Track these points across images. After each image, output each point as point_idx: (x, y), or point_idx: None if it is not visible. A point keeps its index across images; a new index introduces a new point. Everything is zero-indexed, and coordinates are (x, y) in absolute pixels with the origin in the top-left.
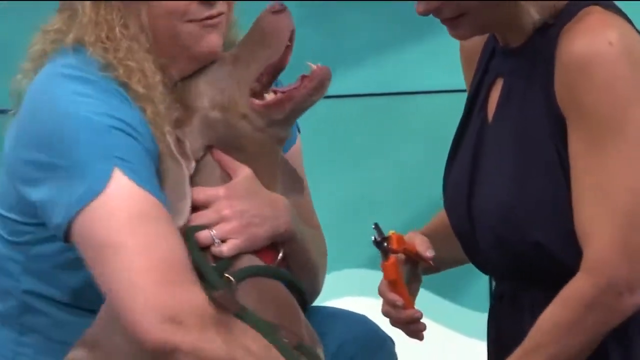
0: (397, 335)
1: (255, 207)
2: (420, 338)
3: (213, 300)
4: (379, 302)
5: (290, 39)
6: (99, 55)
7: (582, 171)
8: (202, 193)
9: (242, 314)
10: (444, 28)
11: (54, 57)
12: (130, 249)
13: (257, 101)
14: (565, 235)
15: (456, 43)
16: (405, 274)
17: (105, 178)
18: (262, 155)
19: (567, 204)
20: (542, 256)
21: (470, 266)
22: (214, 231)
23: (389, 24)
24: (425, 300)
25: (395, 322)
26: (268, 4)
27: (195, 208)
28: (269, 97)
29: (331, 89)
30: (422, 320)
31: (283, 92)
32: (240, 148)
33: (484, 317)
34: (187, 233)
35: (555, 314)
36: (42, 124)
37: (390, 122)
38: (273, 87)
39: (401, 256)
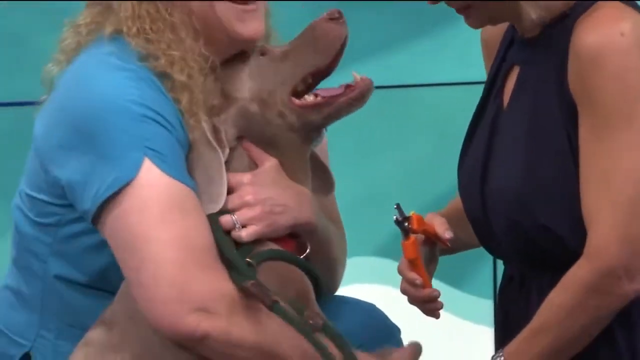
0: (402, 323)
1: (279, 196)
2: (437, 316)
3: (244, 289)
4: (387, 290)
5: (342, 47)
6: (140, 47)
7: (589, 158)
8: (228, 179)
9: (275, 309)
10: (449, 23)
11: (89, 47)
12: (160, 241)
13: (296, 101)
14: (574, 220)
15: (462, 37)
16: (424, 255)
17: (136, 167)
18: (291, 153)
19: (575, 190)
20: (551, 241)
21: (474, 252)
22: (235, 216)
23: (395, 21)
24: None
25: (412, 300)
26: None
27: None
28: (309, 98)
29: (341, 82)
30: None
31: (323, 97)
32: (271, 143)
33: (488, 303)
34: (211, 218)
35: (558, 297)
36: (78, 107)
37: (398, 114)
38: (314, 91)
39: (420, 236)
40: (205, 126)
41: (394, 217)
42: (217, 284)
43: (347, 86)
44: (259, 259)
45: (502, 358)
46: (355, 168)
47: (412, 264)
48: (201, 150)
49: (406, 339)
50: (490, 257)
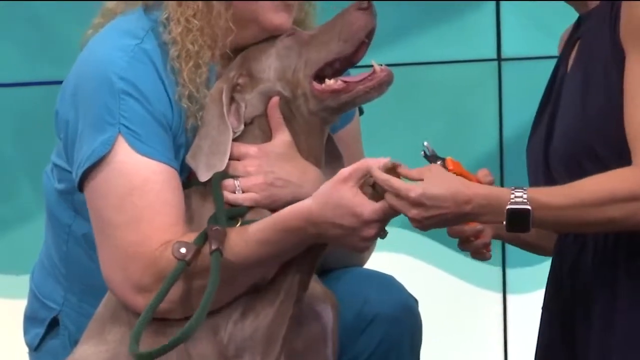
0: (422, 293)
1: (282, 171)
2: (487, 257)
3: (205, 232)
4: (409, 260)
5: (368, 37)
6: (171, 7)
7: (636, 90)
8: (236, 148)
9: (213, 255)
10: (458, 13)
11: (122, 14)
12: (115, 224)
13: (316, 85)
14: (624, 152)
15: (470, 23)
16: None
17: (109, 142)
18: (308, 134)
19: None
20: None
21: None
22: (238, 182)
23: (410, 9)
24: (441, 255)
25: (461, 245)
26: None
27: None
28: (330, 83)
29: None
30: (442, 274)
31: (344, 82)
32: (290, 122)
33: (497, 269)
34: (214, 176)
35: (607, 183)
36: (74, 73)
37: (412, 92)
38: (341, 77)
39: None
40: (225, 101)
41: (422, 152)
42: (154, 260)
43: (368, 75)
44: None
45: (526, 195)
46: (373, 145)
47: None
48: (214, 123)
49: (424, 309)
50: None
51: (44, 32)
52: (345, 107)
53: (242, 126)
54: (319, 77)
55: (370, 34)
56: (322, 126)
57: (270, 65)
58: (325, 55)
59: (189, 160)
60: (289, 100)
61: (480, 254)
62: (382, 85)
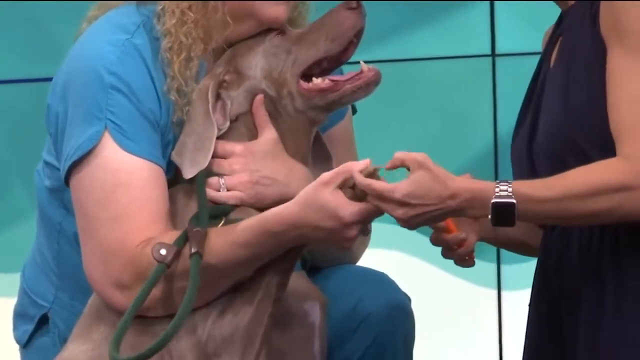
0: (413, 289)
1: (268, 169)
2: (470, 264)
3: (185, 233)
4: (400, 256)
5: (356, 36)
6: (164, 24)
7: (619, 84)
8: (221, 147)
9: (193, 258)
10: (451, 10)
11: (116, 8)
12: (99, 220)
13: (303, 84)
14: (607, 146)
15: (464, 20)
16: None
17: (96, 137)
18: (294, 132)
19: (606, 118)
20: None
21: None
22: (223, 180)
23: (404, 7)
24: (435, 251)
25: (444, 251)
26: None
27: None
28: (317, 81)
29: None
30: (436, 271)
31: (332, 81)
32: (276, 121)
33: (492, 266)
34: (199, 174)
35: (592, 175)
36: (64, 67)
37: (405, 88)
38: (329, 76)
39: None
40: (210, 99)
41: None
42: (135, 257)
43: (356, 74)
44: (231, 223)
45: (510, 189)
46: (366, 142)
47: None
48: (200, 120)
49: (419, 306)
50: None
51: (42, 32)
52: (332, 106)
53: (228, 123)
54: (307, 75)
55: (359, 34)
56: (309, 125)
57: (257, 63)
58: (313, 54)
59: (174, 157)
60: (274, 99)
61: (464, 261)
62: (369, 85)
